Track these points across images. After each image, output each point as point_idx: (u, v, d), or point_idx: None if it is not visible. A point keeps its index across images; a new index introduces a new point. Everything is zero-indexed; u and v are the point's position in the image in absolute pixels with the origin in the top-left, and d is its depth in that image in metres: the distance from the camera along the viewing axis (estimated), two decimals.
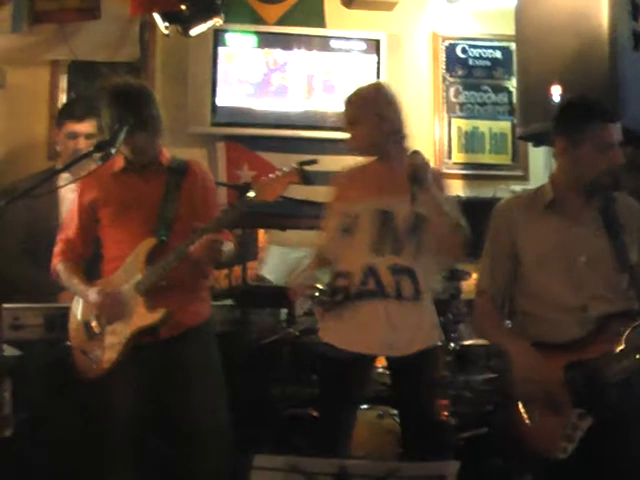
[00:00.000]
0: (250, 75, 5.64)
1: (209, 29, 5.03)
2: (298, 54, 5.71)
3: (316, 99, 5.69)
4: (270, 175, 3.14)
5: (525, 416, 2.89)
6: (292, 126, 5.65)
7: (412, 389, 3.33)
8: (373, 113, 3.38)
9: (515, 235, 3.09)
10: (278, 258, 5.48)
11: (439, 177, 3.42)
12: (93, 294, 3.35)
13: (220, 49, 5.56)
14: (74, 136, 4.29)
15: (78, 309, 3.47)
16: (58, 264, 3.50)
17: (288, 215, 4.93)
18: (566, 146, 3.02)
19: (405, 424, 3.42)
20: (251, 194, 3.14)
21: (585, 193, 3.03)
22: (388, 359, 3.45)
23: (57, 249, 3.54)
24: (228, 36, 5.59)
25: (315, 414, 3.88)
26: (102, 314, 3.35)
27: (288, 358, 4.49)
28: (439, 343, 3.49)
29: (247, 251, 4.92)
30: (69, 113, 4.41)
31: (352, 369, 3.32)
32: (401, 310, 3.28)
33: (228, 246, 3.38)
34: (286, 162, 5.16)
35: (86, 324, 3.41)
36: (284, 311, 4.90)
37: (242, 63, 5.62)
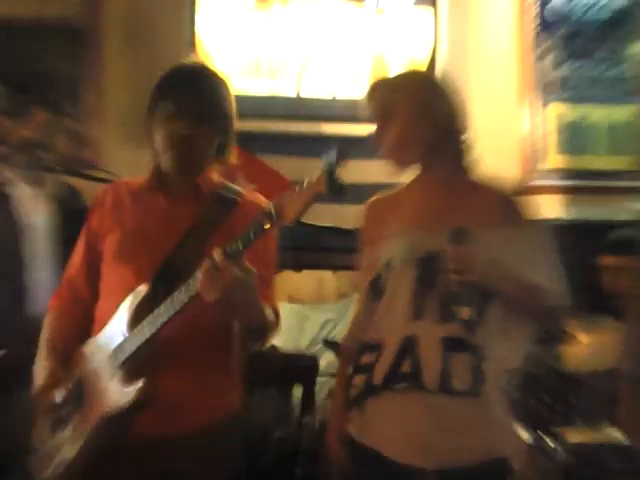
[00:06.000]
0: (241, 41, 4.76)
1: None
2: (317, 7, 4.80)
3: (342, 78, 4.84)
4: (293, 188, 2.39)
5: None
6: (308, 117, 4.85)
7: None
8: (415, 102, 2.88)
9: None
10: (289, 319, 4.89)
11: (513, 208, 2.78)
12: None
13: None
14: None
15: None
16: (50, 311, 3.04)
17: (304, 248, 4.19)
18: None
19: None
20: (267, 217, 2.38)
21: None
22: (434, 474, 2.73)
23: (57, 289, 3.14)
24: None
25: None
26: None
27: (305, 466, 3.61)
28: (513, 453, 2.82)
29: None
30: None
31: None
32: (449, 406, 2.69)
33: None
34: (299, 168, 4.45)
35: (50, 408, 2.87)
36: (298, 390, 4.13)
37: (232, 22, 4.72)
